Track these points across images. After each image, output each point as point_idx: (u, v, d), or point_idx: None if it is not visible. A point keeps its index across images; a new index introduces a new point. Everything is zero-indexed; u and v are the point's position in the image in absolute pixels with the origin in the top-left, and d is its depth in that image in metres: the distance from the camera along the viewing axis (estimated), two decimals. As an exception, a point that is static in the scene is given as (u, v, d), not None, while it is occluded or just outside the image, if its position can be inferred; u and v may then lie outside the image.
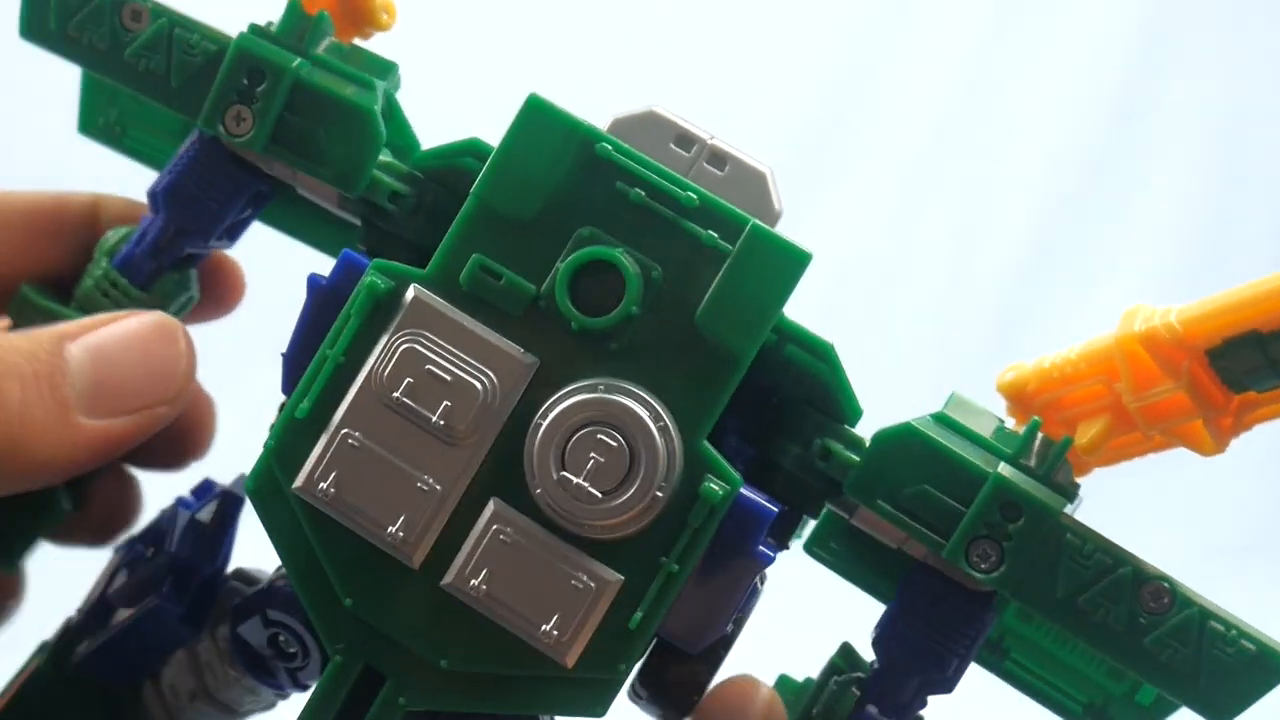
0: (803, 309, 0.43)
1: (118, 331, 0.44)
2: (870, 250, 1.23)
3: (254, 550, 0.51)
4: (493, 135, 0.44)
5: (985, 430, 0.44)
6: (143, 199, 0.49)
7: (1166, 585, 0.41)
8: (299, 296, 0.52)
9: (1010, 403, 0.45)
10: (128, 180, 0.52)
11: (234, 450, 0.53)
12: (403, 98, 0.48)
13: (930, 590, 0.43)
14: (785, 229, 0.43)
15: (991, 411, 0.45)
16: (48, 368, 0.42)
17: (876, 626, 0.44)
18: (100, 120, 0.52)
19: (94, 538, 0.53)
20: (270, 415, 0.46)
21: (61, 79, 0.51)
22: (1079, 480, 0.43)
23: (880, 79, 1.14)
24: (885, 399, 0.48)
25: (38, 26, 0.47)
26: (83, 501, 0.51)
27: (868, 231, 1.24)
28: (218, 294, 0.53)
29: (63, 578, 0.54)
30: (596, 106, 0.44)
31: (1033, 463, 0.42)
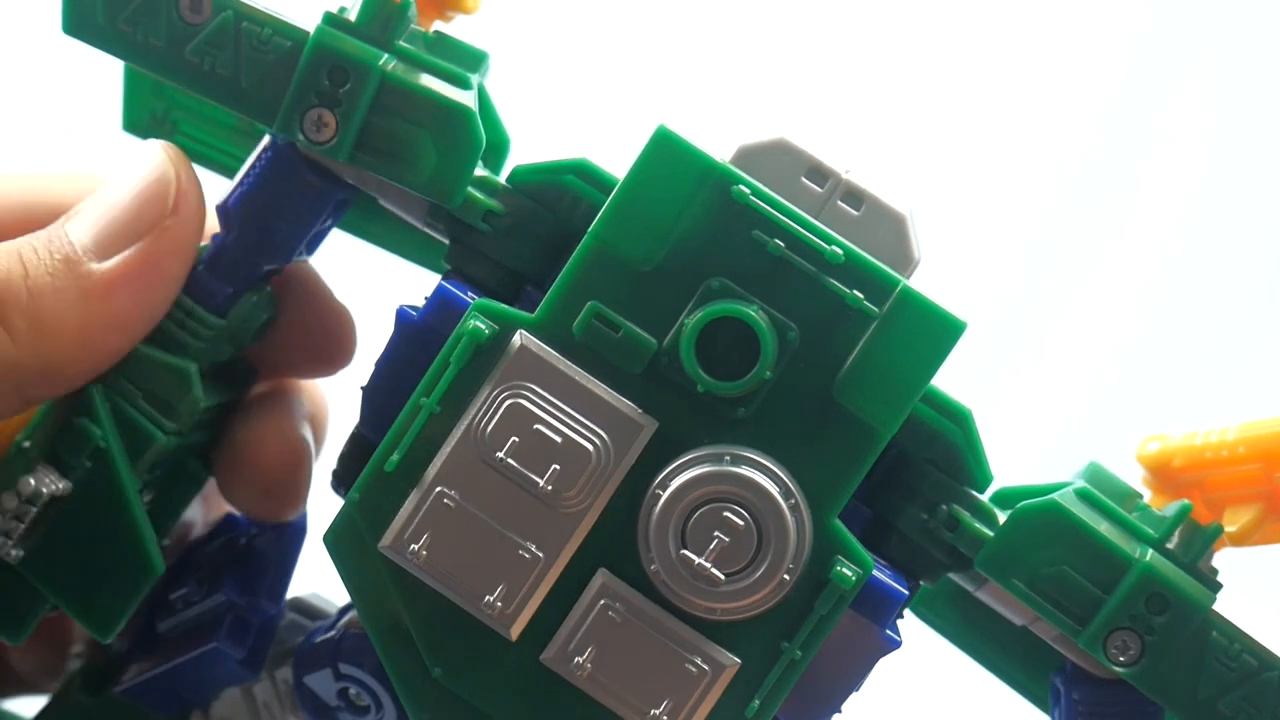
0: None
1: (105, 184, 0.42)
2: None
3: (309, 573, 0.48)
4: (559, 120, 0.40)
5: (1125, 506, 0.41)
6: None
7: None
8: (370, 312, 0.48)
9: (1151, 475, 0.42)
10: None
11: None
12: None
13: (1099, 704, 0.40)
14: (922, 278, 0.40)
15: (1130, 485, 0.42)
16: (46, 238, 0.40)
17: None
18: (147, 116, 0.46)
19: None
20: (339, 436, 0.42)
21: (100, 72, 0.45)
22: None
23: (882, 80, 1.09)
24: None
25: (83, 21, 0.40)
26: (216, 455, 0.46)
27: None
28: (326, 353, 0.47)
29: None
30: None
31: (1177, 548, 0.40)
